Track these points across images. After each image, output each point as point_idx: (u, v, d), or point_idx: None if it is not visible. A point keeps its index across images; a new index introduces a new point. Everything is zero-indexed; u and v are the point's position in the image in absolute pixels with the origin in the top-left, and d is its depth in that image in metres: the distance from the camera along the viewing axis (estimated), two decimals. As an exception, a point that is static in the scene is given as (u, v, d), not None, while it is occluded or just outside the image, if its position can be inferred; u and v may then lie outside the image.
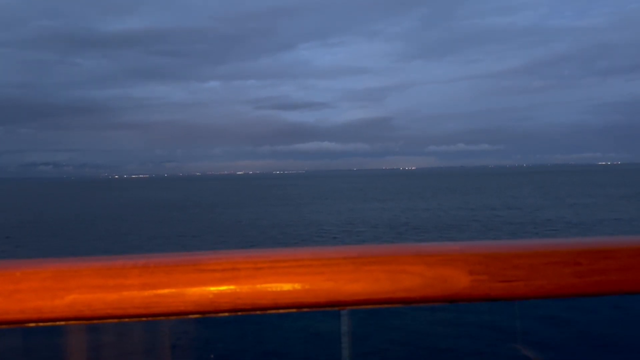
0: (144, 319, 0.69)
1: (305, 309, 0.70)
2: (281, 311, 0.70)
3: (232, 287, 0.68)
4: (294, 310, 0.70)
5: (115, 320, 0.69)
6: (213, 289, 0.68)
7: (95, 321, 0.69)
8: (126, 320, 0.69)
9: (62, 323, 0.69)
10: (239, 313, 0.69)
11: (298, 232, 28.66)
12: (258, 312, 0.70)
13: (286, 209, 45.64)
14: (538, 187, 73.56)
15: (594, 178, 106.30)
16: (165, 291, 0.68)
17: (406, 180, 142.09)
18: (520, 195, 56.16)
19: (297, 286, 0.69)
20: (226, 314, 0.69)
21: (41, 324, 0.68)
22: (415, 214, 38.04)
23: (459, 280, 0.71)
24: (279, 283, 0.69)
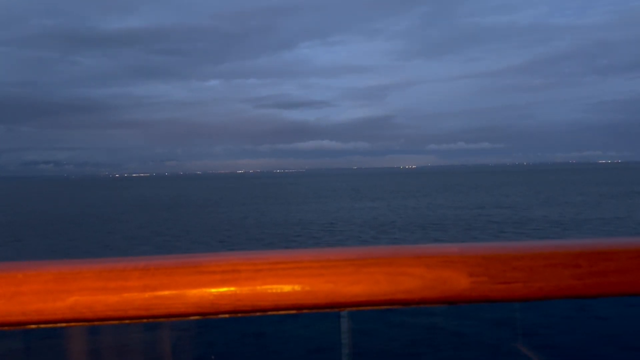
0: (144, 320, 0.69)
1: (305, 311, 0.71)
2: (281, 312, 0.70)
3: (232, 288, 0.69)
4: (293, 311, 0.71)
5: (116, 322, 0.69)
6: (213, 290, 0.68)
7: (96, 323, 0.69)
8: (127, 321, 0.69)
9: (64, 325, 0.69)
10: (239, 314, 0.70)
11: (279, 232, 28.61)
12: (258, 314, 0.70)
13: (275, 208, 45.59)
14: (532, 186, 73.45)
15: (592, 176, 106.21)
16: (166, 293, 0.68)
17: (404, 178, 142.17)
18: (512, 194, 56.07)
19: (297, 288, 0.69)
20: (226, 316, 0.69)
21: (42, 325, 0.68)
22: (402, 213, 37.97)
23: (458, 282, 0.71)
24: (279, 284, 0.69)
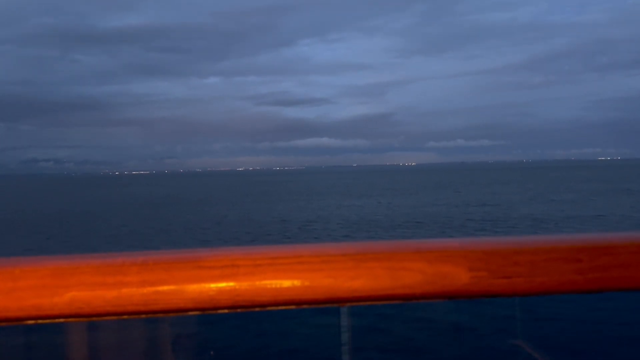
0: (143, 316, 0.69)
1: (304, 306, 0.71)
2: (280, 308, 0.70)
3: (231, 283, 0.68)
4: (293, 306, 0.70)
5: (115, 318, 0.69)
6: (212, 285, 0.68)
7: (94, 318, 0.69)
8: (125, 317, 0.69)
9: (61, 320, 0.69)
10: (239, 310, 0.69)
11: (255, 230, 28.41)
12: (257, 309, 0.70)
13: (261, 206, 45.44)
14: (526, 183, 73.22)
15: (588, 174, 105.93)
16: (165, 288, 0.68)
17: (401, 176, 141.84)
18: (503, 192, 55.85)
19: (297, 283, 0.69)
20: (225, 311, 0.69)
21: (40, 321, 0.68)
22: (385, 211, 37.78)
23: (459, 277, 0.70)
24: (278, 280, 0.69)
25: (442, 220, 30.51)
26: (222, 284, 0.68)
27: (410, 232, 26.52)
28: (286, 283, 0.69)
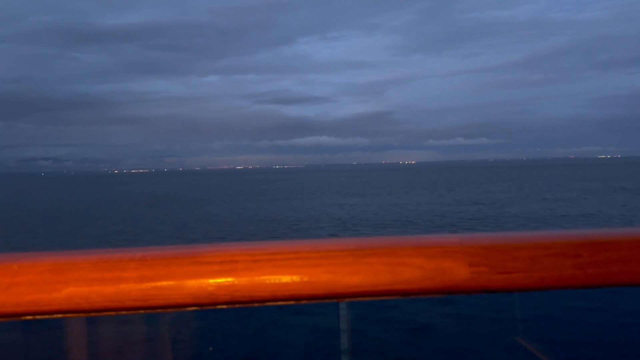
0: (141, 311, 0.69)
1: (303, 301, 0.70)
2: (279, 303, 0.70)
3: (230, 279, 0.68)
4: (292, 302, 0.70)
5: (113, 313, 0.69)
6: (211, 281, 0.68)
7: (92, 314, 0.69)
8: (124, 313, 0.69)
9: (60, 316, 0.68)
10: (237, 305, 0.69)
11: (245, 229, 28.30)
12: (256, 305, 0.70)
13: (254, 205, 45.34)
14: (521, 182, 73.08)
15: (586, 172, 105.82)
16: (163, 284, 0.68)
17: (398, 174, 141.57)
18: (497, 190, 55.73)
19: (296, 278, 0.69)
20: (224, 306, 0.69)
21: (38, 317, 0.68)
22: (377, 210, 37.65)
23: (458, 272, 0.70)
24: (277, 275, 0.69)
25: (432, 219, 30.41)
26: (221, 280, 0.68)
27: (400, 230, 26.42)
28: (285, 278, 0.69)
